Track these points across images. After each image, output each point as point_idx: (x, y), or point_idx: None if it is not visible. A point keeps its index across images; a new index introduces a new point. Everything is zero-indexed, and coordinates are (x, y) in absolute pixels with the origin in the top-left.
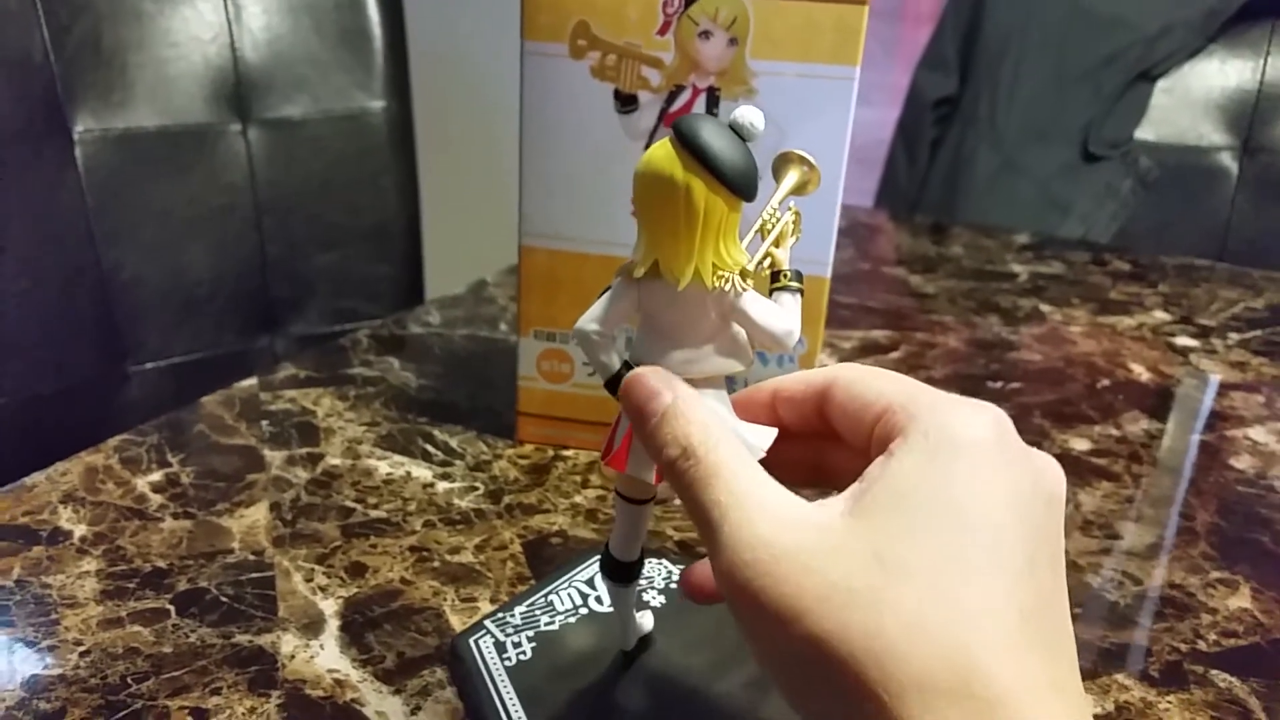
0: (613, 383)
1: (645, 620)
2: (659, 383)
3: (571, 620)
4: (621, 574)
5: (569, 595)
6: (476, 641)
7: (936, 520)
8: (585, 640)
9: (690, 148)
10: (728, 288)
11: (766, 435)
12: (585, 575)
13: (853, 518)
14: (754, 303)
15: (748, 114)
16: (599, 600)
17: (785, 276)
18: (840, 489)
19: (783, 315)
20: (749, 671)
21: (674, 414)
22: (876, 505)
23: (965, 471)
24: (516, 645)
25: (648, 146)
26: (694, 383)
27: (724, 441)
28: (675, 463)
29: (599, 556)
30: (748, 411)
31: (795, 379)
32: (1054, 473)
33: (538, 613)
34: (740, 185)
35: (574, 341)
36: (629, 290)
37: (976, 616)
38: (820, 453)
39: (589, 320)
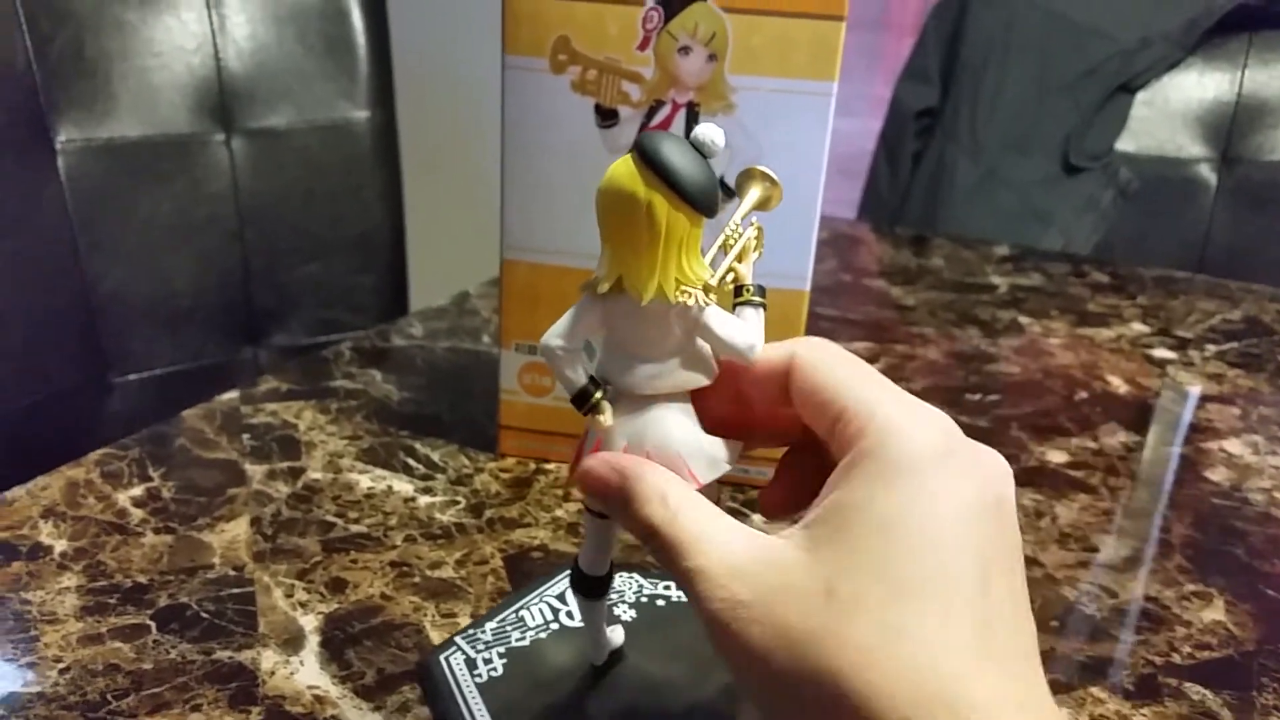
0: (579, 397)
1: (616, 635)
2: (607, 471)
3: (543, 635)
4: (591, 588)
5: (540, 610)
6: (447, 658)
7: (886, 548)
8: (556, 655)
9: (651, 164)
10: (691, 303)
11: (733, 449)
12: (556, 590)
13: (805, 552)
14: (717, 317)
15: (708, 131)
16: (570, 615)
17: (748, 291)
18: (817, 468)
19: (745, 329)
20: (720, 682)
21: (633, 500)
22: (826, 537)
23: (911, 493)
24: (487, 661)
25: None
26: (659, 397)
27: (682, 507)
28: (647, 542)
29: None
30: (718, 393)
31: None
32: (1000, 471)
33: (509, 628)
34: (701, 201)
35: (540, 357)
36: (594, 306)
37: (933, 642)
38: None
39: (554, 336)
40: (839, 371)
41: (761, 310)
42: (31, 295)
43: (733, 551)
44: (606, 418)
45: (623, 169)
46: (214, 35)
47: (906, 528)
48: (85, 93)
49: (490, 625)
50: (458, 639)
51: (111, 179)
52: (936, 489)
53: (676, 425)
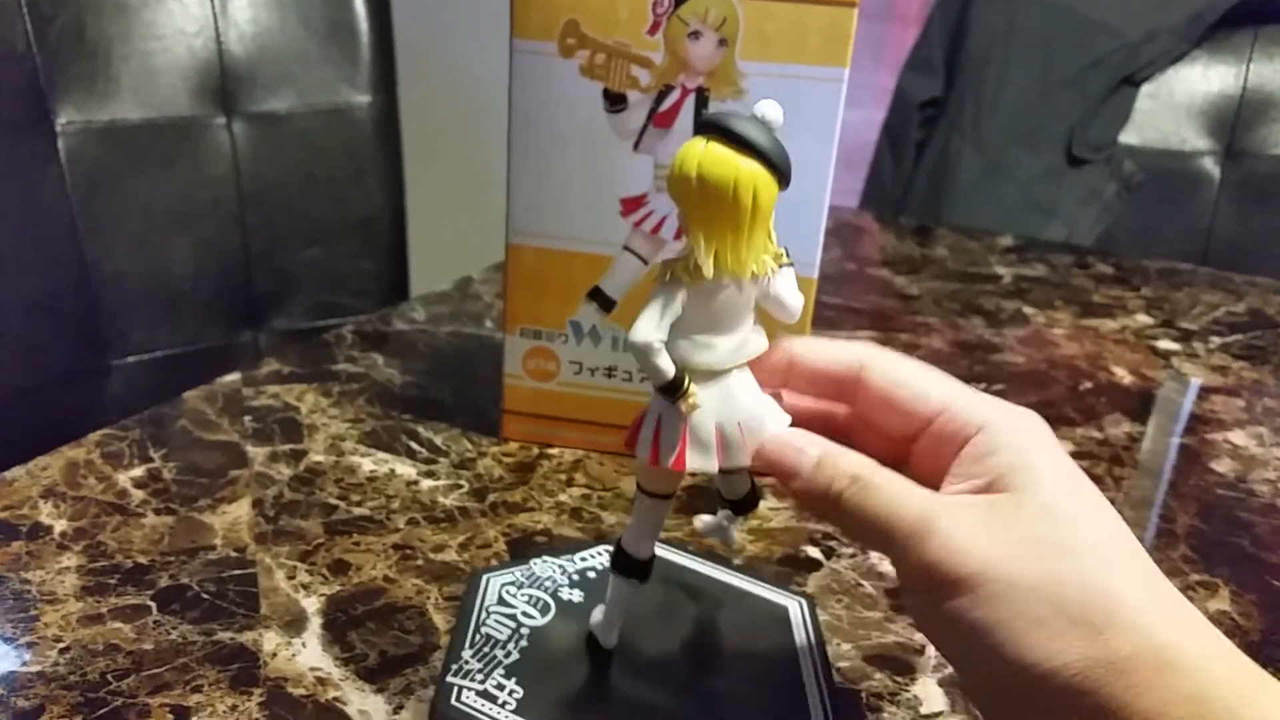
0: (671, 386)
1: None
2: (802, 440)
3: (523, 643)
4: (638, 570)
5: (499, 623)
6: (461, 700)
7: (1071, 486)
8: (552, 653)
9: (750, 147)
10: (772, 274)
11: (784, 413)
12: (491, 599)
13: (1011, 492)
14: (783, 283)
15: (770, 109)
16: (526, 614)
17: (783, 255)
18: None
19: (796, 291)
20: (707, 614)
21: (832, 457)
22: (1023, 480)
23: (1055, 455)
24: (500, 687)
25: (636, 146)
26: (727, 370)
27: (875, 465)
28: (845, 491)
29: (491, 575)
30: (759, 374)
31: (816, 352)
32: None
33: (488, 649)
34: (789, 176)
35: (630, 352)
36: (678, 291)
37: (1128, 553)
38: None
39: (649, 331)
40: (926, 374)
41: (793, 270)
42: (31, 277)
43: (940, 497)
44: (698, 399)
45: (714, 153)
46: (216, 18)
47: (1078, 479)
48: (86, 75)
49: (467, 654)
50: (450, 679)
51: (112, 161)
52: (1065, 457)
53: (749, 393)
